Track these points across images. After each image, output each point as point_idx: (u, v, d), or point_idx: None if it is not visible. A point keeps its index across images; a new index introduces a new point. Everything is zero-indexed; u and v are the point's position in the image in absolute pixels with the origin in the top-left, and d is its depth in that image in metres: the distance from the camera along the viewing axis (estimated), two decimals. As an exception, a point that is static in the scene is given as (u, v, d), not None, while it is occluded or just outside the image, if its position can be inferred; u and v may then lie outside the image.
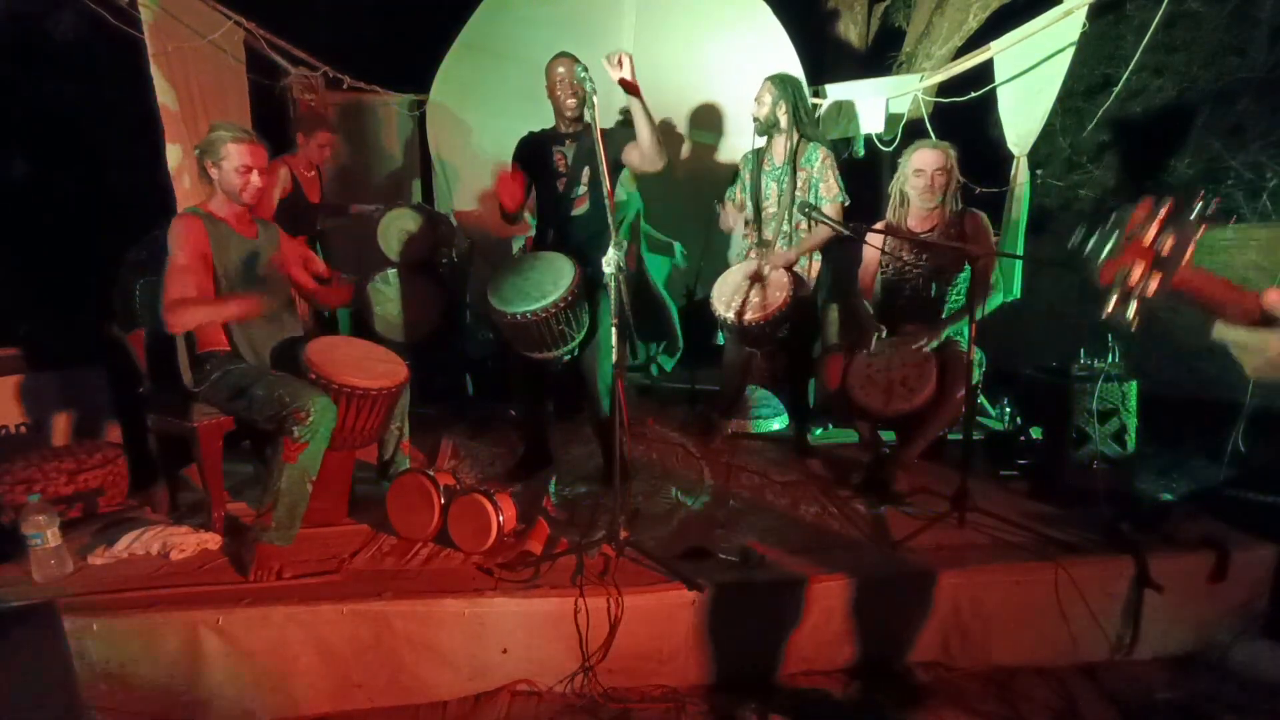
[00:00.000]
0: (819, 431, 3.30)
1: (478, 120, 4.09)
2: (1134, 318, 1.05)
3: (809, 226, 2.95)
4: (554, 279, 2.42)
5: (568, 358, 2.61)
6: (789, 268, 2.87)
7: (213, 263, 2.12)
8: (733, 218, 3.17)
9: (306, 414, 1.97)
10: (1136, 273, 1.03)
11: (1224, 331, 1.12)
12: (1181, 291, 1.07)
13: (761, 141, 3.09)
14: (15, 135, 4.23)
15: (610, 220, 2.10)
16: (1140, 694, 1.88)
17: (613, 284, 1.99)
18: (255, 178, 2.16)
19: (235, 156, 2.11)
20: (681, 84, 4.00)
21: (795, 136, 2.94)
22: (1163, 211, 1.04)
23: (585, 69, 2.30)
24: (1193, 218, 1.03)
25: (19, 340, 3.14)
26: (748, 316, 2.77)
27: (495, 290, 2.47)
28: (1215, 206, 1.03)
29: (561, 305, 2.37)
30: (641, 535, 2.23)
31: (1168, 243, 1.03)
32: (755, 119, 2.97)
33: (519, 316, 2.37)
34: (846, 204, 2.93)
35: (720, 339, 3.29)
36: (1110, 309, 1.06)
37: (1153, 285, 1.04)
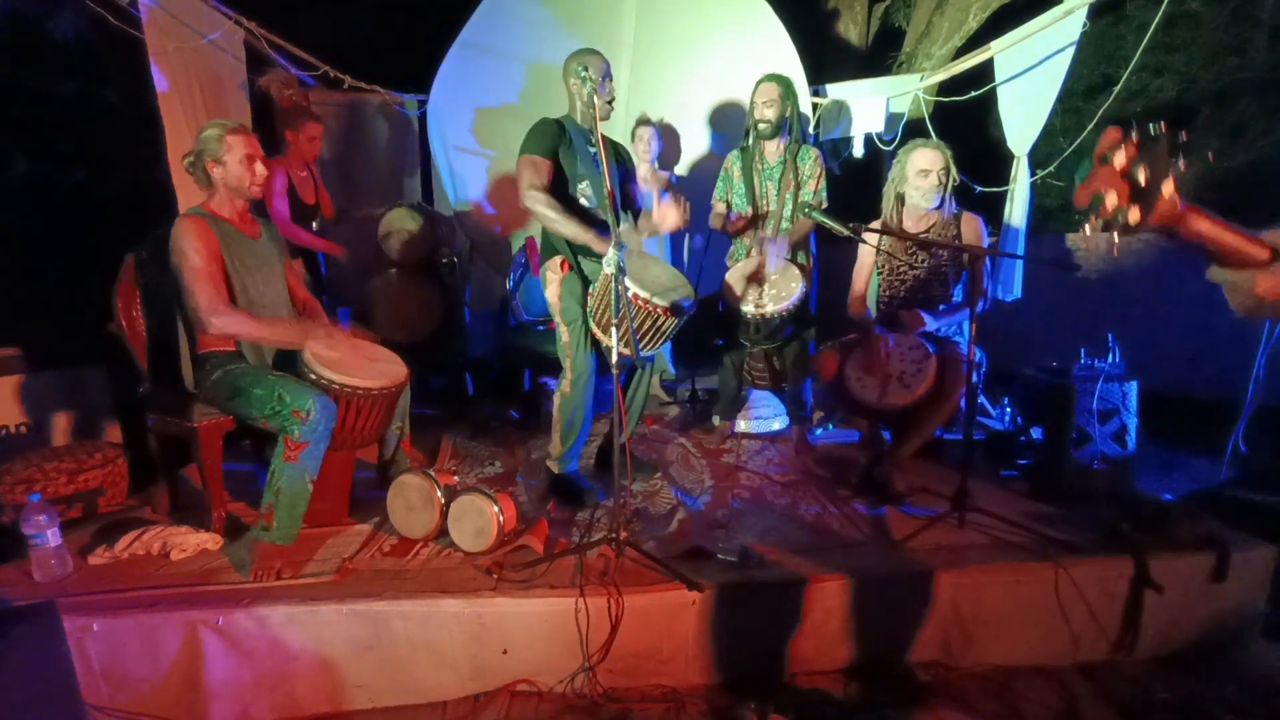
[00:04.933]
0: (819, 432, 3.31)
1: (478, 120, 4.09)
2: (1114, 244, 1.03)
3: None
4: (683, 281, 2.44)
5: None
6: (792, 259, 2.89)
7: (224, 263, 2.11)
8: (720, 222, 3.17)
9: (306, 413, 1.97)
10: (1111, 199, 1.01)
11: (1217, 273, 1.11)
12: (1175, 230, 1.04)
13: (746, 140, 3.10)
14: (16, 135, 4.23)
15: (610, 220, 2.10)
16: (1140, 694, 1.88)
17: (614, 284, 1.99)
18: (260, 166, 2.15)
19: (238, 147, 2.10)
20: (681, 84, 4.00)
21: (793, 137, 2.96)
22: (1132, 138, 1.01)
23: (585, 68, 2.30)
24: (1160, 145, 1.00)
25: (19, 340, 3.14)
26: (769, 309, 2.78)
27: (635, 275, 2.28)
28: (1183, 139, 1.00)
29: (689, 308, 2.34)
30: (641, 535, 2.23)
31: (1142, 173, 1.00)
32: (765, 120, 2.95)
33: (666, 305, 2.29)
34: (824, 206, 2.94)
35: (719, 340, 3.29)
36: (1088, 231, 1.04)
37: (1133, 215, 1.01)
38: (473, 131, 4.12)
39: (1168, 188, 1.00)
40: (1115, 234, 1.03)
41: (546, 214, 2.33)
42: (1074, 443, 2.44)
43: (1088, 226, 1.04)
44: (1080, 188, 1.04)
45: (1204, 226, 1.05)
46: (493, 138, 4.08)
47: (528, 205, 2.36)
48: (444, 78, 4.02)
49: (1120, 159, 1.01)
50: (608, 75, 2.44)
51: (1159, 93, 5.58)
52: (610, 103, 2.45)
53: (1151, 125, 1.00)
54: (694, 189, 3.92)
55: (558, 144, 2.41)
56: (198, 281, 2.02)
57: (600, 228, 2.41)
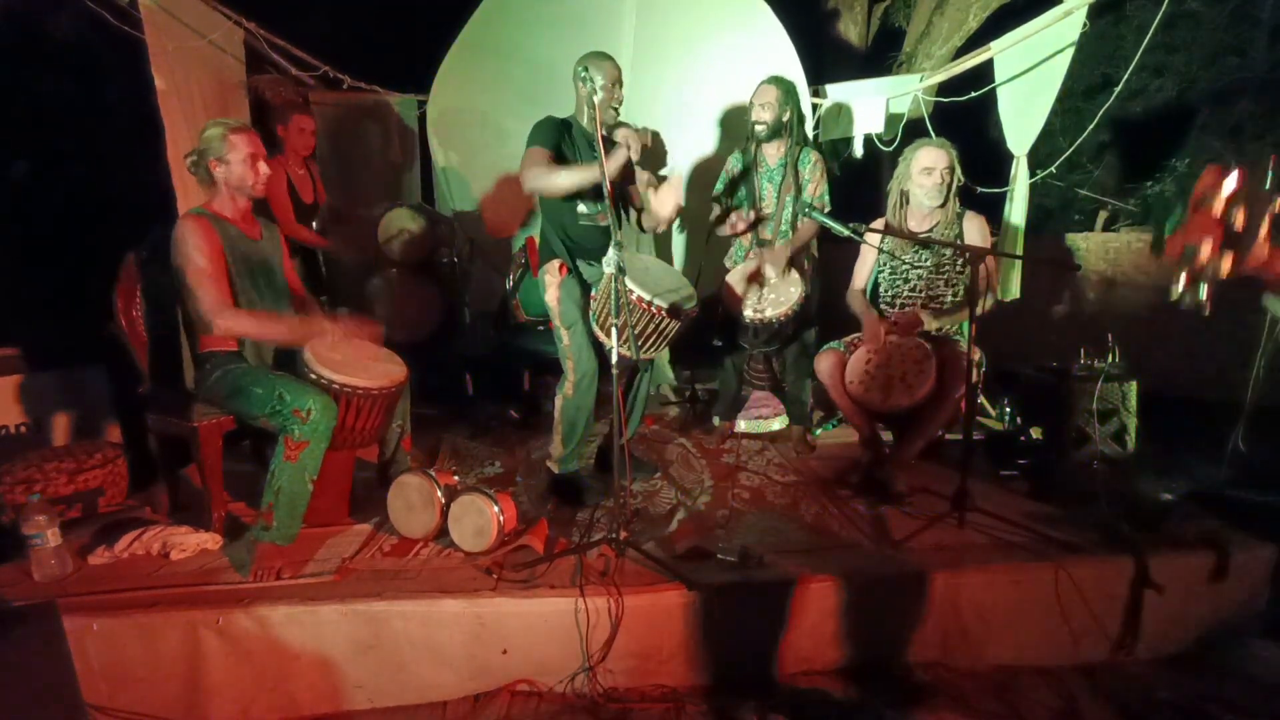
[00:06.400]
0: (818, 432, 3.30)
1: (478, 120, 4.08)
2: (1207, 301, 0.90)
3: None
4: (684, 284, 2.42)
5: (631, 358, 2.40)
6: (792, 264, 2.89)
7: (227, 263, 2.11)
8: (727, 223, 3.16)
9: (307, 413, 1.97)
10: (1206, 250, 0.90)
11: (1274, 302, 1.04)
12: (1265, 274, 0.92)
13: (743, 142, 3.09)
14: (15, 135, 4.22)
15: (612, 222, 2.11)
16: (1140, 694, 1.88)
17: (613, 284, 1.99)
18: (263, 166, 2.15)
19: (242, 146, 2.10)
20: (681, 84, 4.00)
21: (793, 139, 2.96)
22: (1234, 181, 0.90)
23: (585, 69, 2.30)
24: (1266, 187, 0.89)
25: (19, 340, 3.15)
26: (768, 314, 2.78)
27: (636, 278, 2.25)
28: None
29: (689, 312, 2.32)
30: (641, 535, 2.23)
31: (1239, 216, 0.89)
32: (761, 122, 2.95)
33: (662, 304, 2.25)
34: (828, 209, 2.94)
35: (719, 341, 3.29)
36: (1179, 290, 0.92)
37: (1226, 266, 0.90)
38: (472, 131, 4.11)
39: (1263, 230, 0.90)
40: (1205, 290, 0.91)
41: (549, 176, 2.29)
42: (1074, 443, 2.44)
43: (1178, 286, 0.93)
44: (1171, 238, 0.94)
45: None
46: (492, 138, 4.07)
47: (530, 186, 2.34)
48: (444, 77, 4.01)
49: (1219, 203, 0.91)
50: (617, 81, 2.43)
51: (1159, 93, 5.58)
52: (616, 108, 2.45)
53: (1249, 167, 0.91)
54: (694, 189, 3.93)
55: (560, 140, 2.41)
56: (202, 282, 2.02)
57: (602, 235, 2.44)
